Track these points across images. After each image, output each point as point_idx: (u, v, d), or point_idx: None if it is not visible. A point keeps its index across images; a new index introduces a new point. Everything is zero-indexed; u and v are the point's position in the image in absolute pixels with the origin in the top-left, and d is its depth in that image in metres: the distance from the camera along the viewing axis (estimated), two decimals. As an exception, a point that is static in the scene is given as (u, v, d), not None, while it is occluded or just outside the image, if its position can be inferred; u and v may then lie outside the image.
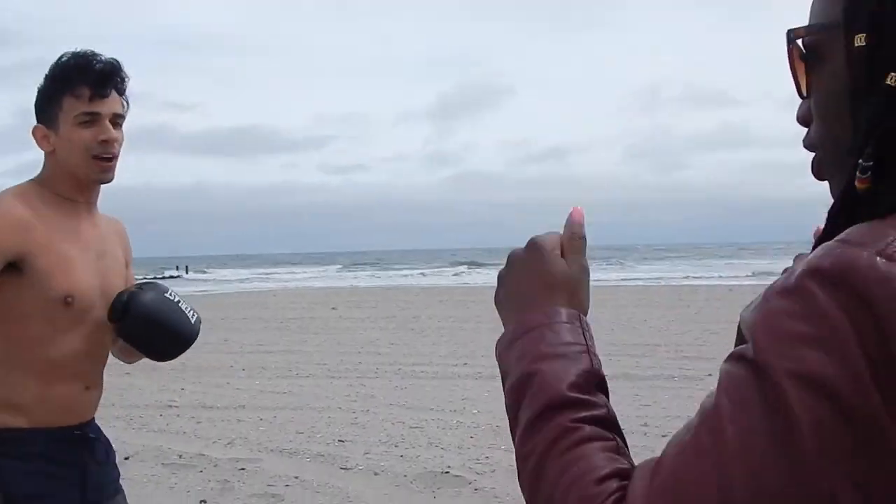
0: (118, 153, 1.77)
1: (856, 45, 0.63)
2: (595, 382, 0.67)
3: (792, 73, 0.71)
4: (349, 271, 49.95)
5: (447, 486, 4.59)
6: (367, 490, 4.59)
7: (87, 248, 1.77)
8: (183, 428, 6.29)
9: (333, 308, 17.85)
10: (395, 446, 5.51)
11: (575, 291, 0.73)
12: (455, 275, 39.21)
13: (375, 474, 4.90)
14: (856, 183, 0.63)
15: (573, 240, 0.74)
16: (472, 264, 47.65)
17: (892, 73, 0.61)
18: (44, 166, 1.81)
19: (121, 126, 1.79)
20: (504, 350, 0.71)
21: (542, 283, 0.73)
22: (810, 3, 0.70)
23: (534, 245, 0.75)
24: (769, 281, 0.63)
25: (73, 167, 1.75)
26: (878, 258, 0.55)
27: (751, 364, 0.56)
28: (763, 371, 0.55)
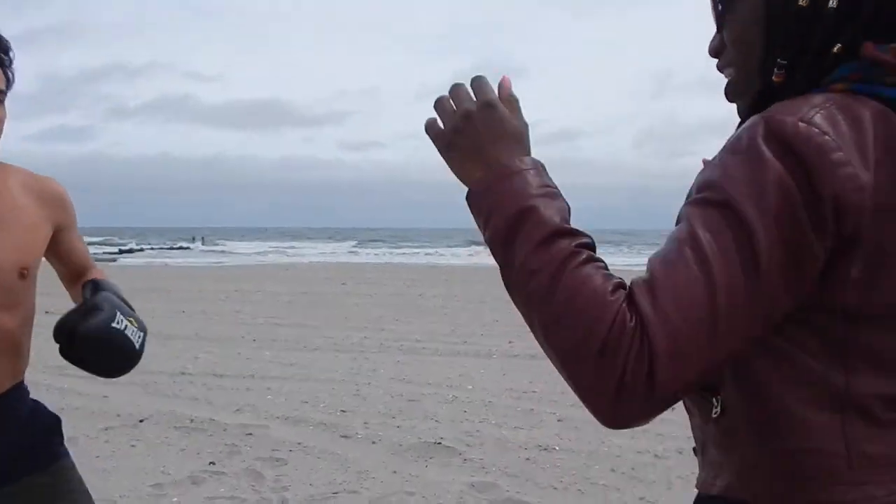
0: (2, 130, 1.62)
1: None
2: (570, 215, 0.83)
3: (714, 8, 0.91)
4: (362, 248, 50.13)
5: (439, 456, 4.76)
6: (364, 457, 4.77)
7: None
8: (195, 394, 6.49)
9: (343, 284, 18.05)
10: (393, 417, 5.69)
11: (527, 142, 0.87)
12: (470, 255, 39.25)
13: (373, 443, 5.08)
14: (773, 78, 0.84)
15: (511, 101, 0.88)
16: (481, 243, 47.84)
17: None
18: None
19: (3, 102, 1.61)
20: (483, 193, 0.82)
21: (507, 135, 0.85)
22: None
23: (491, 102, 0.86)
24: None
25: None
26: (800, 122, 0.75)
27: (721, 205, 0.74)
28: (733, 209, 0.73)
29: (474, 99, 0.87)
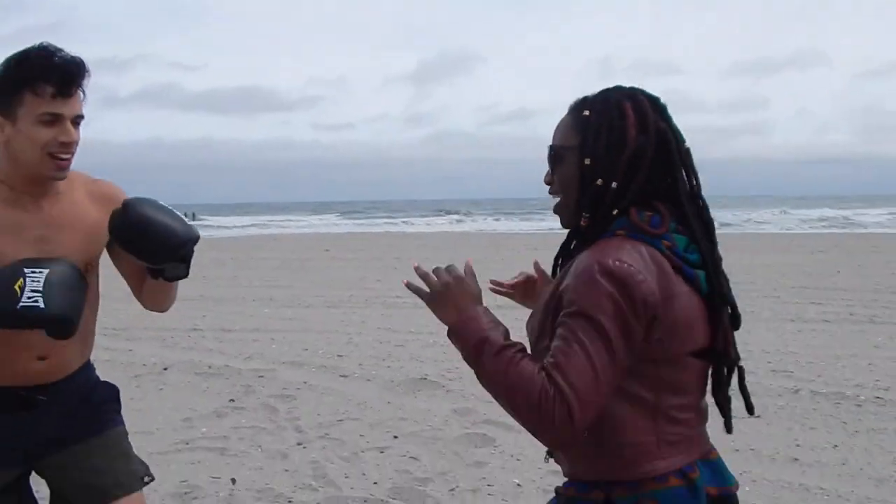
0: (75, 153, 1.60)
1: (585, 162, 1.27)
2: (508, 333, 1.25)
3: (548, 158, 1.35)
4: (340, 219, 49.88)
5: (425, 389, 5.07)
6: (361, 392, 5.06)
7: (24, 238, 1.59)
8: (208, 346, 6.70)
9: (327, 250, 18.17)
10: (383, 360, 5.97)
11: (480, 297, 1.29)
12: (440, 223, 39.37)
13: (368, 380, 5.37)
14: (581, 223, 1.30)
15: (471, 273, 1.30)
16: (453, 213, 48.02)
17: (599, 180, 1.25)
18: None
19: (79, 125, 1.60)
20: (459, 332, 1.23)
21: (469, 295, 1.27)
22: (556, 128, 1.34)
23: (460, 278, 1.29)
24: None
25: (28, 162, 1.57)
26: (616, 262, 1.18)
27: (586, 317, 1.16)
28: (593, 319, 1.15)
29: (449, 276, 1.28)
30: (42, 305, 1.48)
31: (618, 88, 1.30)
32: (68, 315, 1.53)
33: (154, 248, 1.56)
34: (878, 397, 4.66)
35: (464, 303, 1.25)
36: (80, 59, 1.58)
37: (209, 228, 39.11)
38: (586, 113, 1.27)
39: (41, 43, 1.57)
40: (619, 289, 1.15)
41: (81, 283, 1.61)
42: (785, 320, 7.53)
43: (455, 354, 4.83)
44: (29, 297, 1.48)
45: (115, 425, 1.78)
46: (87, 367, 1.78)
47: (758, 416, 4.31)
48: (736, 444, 3.81)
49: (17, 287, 1.48)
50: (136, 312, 8.46)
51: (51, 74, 1.52)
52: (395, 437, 4.11)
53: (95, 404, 1.75)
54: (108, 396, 1.81)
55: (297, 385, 5.23)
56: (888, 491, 3.28)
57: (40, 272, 1.51)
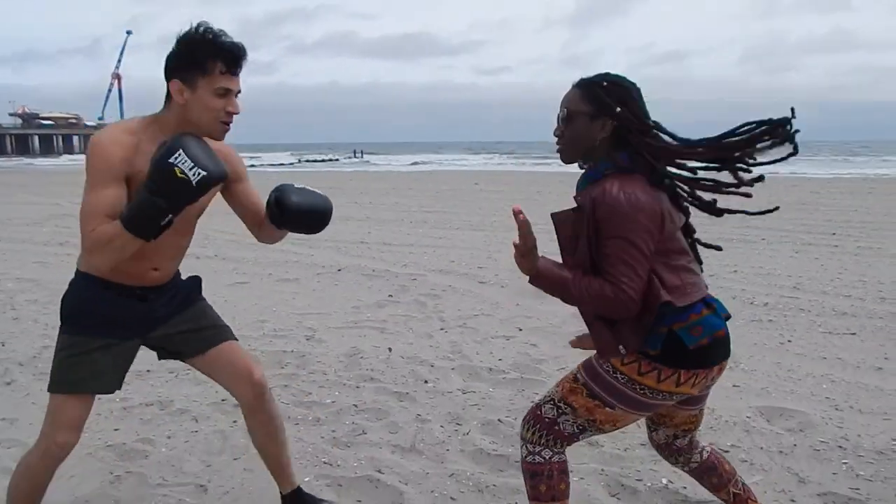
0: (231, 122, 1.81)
1: (594, 123, 1.71)
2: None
3: (559, 116, 1.76)
4: (492, 157, 50.22)
5: (550, 298, 5.43)
6: (496, 295, 5.52)
7: None
8: (372, 255, 7.48)
9: (476, 184, 18.72)
10: (517, 273, 6.31)
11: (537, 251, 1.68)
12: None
13: (502, 287, 5.82)
14: (583, 167, 1.79)
15: (527, 224, 1.65)
16: None
17: (615, 122, 1.73)
18: (167, 111, 1.78)
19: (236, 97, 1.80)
20: (543, 278, 1.67)
21: (535, 254, 1.66)
22: (566, 96, 1.78)
23: (532, 247, 1.66)
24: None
25: (200, 124, 1.75)
26: (622, 192, 1.61)
27: (619, 238, 1.60)
28: (624, 238, 1.59)
29: (528, 243, 1.65)
30: (206, 172, 1.65)
31: (608, 75, 1.75)
32: (223, 169, 1.71)
33: (307, 229, 1.92)
34: None
35: (533, 259, 1.66)
36: (241, 43, 1.76)
37: (375, 165, 41.13)
38: (600, 89, 1.71)
39: (206, 25, 1.74)
40: (639, 212, 1.59)
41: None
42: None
43: None
44: (193, 173, 1.63)
45: (200, 301, 2.11)
46: (178, 273, 2.09)
47: (853, 334, 4.29)
48: (824, 354, 3.88)
49: (179, 174, 1.63)
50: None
51: (227, 54, 1.73)
52: (520, 329, 4.55)
53: (185, 293, 2.08)
54: (194, 286, 2.11)
55: (443, 287, 5.80)
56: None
57: (179, 153, 1.64)
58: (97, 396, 1.97)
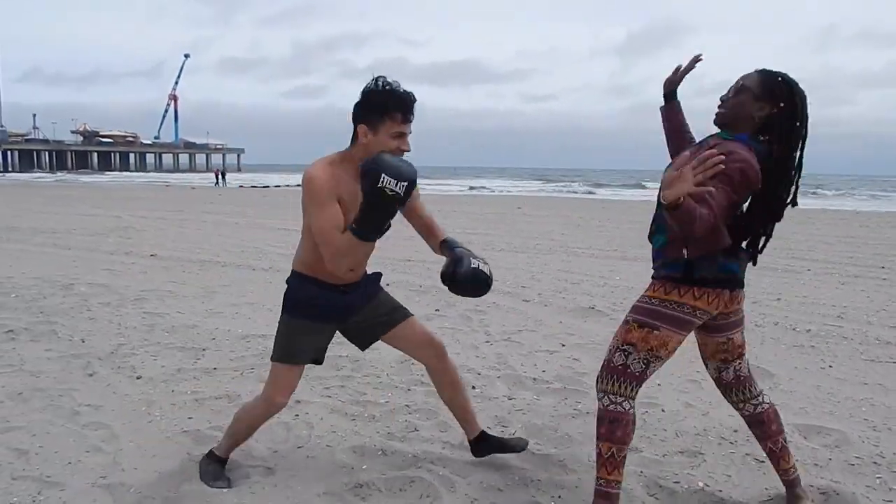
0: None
1: (756, 102, 2.21)
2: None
3: (733, 88, 2.21)
4: (535, 183, 50.36)
5: (592, 316, 5.58)
6: (539, 313, 5.70)
7: (356, 200, 2.19)
8: (419, 272, 7.70)
9: (519, 208, 18.95)
10: (559, 292, 6.56)
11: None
12: (622, 193, 38.38)
13: (545, 305, 6.00)
14: (733, 129, 2.23)
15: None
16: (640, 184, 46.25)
17: (774, 110, 2.18)
18: (353, 148, 2.25)
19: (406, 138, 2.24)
20: (684, 206, 1.92)
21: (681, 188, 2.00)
22: (745, 74, 2.25)
23: (687, 184, 1.95)
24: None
25: None
26: (747, 155, 2.14)
27: (722, 184, 2.05)
28: (725, 188, 2.06)
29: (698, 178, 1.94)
30: (407, 181, 2.11)
31: (786, 75, 2.18)
32: (415, 169, 2.17)
33: (469, 294, 2.35)
34: None
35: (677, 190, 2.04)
36: (413, 94, 2.21)
37: (424, 189, 41.66)
38: (775, 81, 2.15)
39: (384, 78, 2.19)
40: (744, 175, 2.04)
41: None
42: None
43: (622, 294, 5.49)
44: (399, 188, 2.09)
45: (381, 290, 2.66)
46: (364, 271, 2.62)
47: (895, 362, 4.34)
48: (865, 380, 3.94)
49: (389, 193, 2.07)
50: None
51: (403, 106, 2.18)
52: (563, 345, 4.72)
53: (372, 286, 2.63)
54: (376, 280, 2.67)
55: (488, 304, 6.00)
56: None
57: (382, 177, 2.08)
58: (304, 367, 2.51)
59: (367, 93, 2.20)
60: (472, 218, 15.53)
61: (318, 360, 2.57)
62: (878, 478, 2.68)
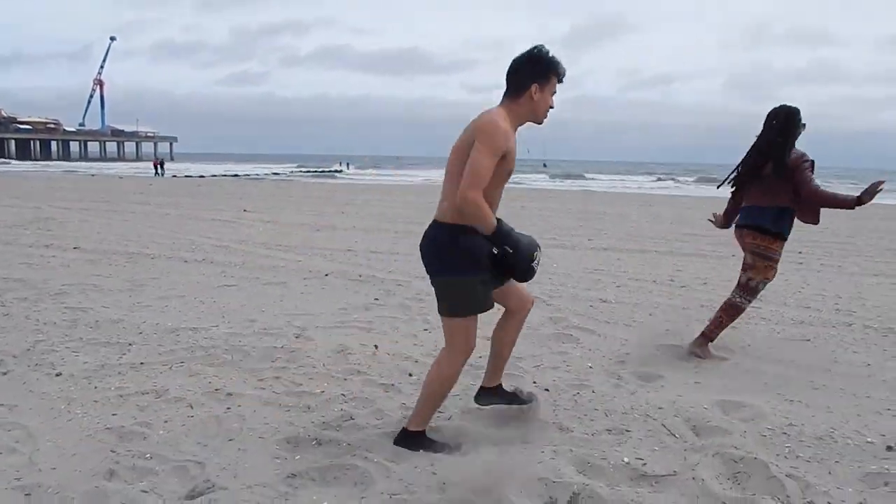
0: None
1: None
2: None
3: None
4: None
5: (538, 307, 5.71)
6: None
7: (514, 153, 2.58)
8: (359, 262, 7.70)
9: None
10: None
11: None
12: (560, 181, 38.97)
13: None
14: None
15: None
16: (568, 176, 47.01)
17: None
18: (520, 103, 2.59)
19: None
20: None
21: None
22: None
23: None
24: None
25: (538, 114, 2.62)
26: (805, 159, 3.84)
27: (809, 165, 3.92)
28: (808, 166, 3.96)
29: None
30: (538, 257, 2.69)
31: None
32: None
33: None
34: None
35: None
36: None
37: (359, 178, 41.30)
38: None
39: (544, 48, 2.59)
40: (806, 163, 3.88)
41: None
42: (868, 275, 7.43)
43: (561, 281, 5.59)
44: (537, 262, 2.69)
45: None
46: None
47: (807, 340, 4.62)
48: (780, 357, 4.19)
49: (533, 263, 2.66)
50: (304, 237, 9.75)
51: (561, 71, 2.64)
52: (500, 331, 4.81)
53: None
54: None
55: (428, 292, 5.97)
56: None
57: (536, 254, 2.69)
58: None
59: (538, 57, 2.59)
60: (414, 207, 15.51)
61: (491, 307, 2.76)
62: (787, 447, 2.86)
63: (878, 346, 4.54)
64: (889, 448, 2.87)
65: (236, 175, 38.46)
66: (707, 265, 7.83)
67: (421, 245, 2.73)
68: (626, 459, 2.71)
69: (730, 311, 4.10)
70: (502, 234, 2.54)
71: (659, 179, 47.26)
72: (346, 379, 3.70)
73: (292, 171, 48.26)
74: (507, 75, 2.62)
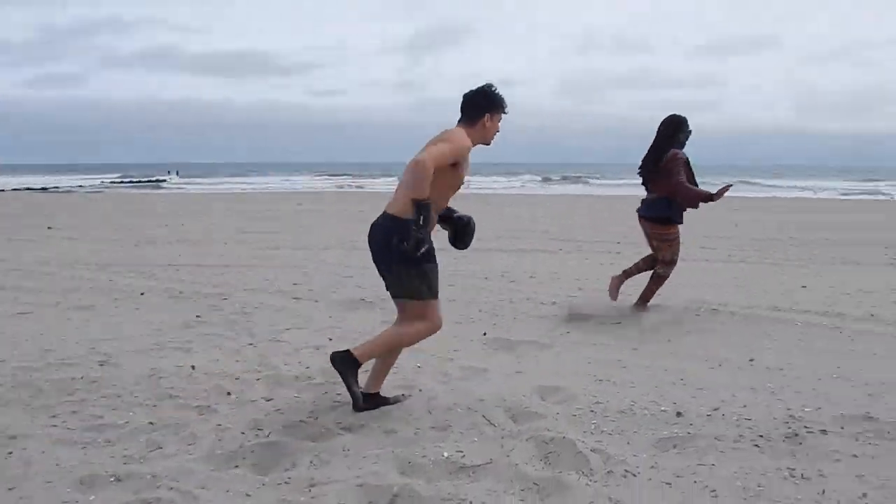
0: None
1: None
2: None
3: None
4: (318, 178, 49.70)
5: (362, 308, 5.66)
6: (309, 310, 5.63)
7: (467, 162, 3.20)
8: (181, 277, 7.20)
9: (299, 204, 18.62)
10: (332, 287, 6.55)
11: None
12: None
13: (316, 301, 5.95)
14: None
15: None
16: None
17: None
18: (475, 128, 3.18)
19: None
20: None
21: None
22: None
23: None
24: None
25: (487, 138, 3.24)
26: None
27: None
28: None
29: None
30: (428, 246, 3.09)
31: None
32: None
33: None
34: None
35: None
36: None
37: (190, 186, 38.99)
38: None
39: (493, 84, 3.23)
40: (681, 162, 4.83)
41: None
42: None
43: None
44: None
45: None
46: None
47: (618, 323, 5.07)
48: (594, 341, 4.52)
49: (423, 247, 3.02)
50: (118, 254, 8.96)
51: (504, 105, 3.25)
52: (331, 339, 4.73)
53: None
54: None
55: (255, 305, 5.80)
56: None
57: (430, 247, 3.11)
58: None
59: (491, 94, 3.22)
60: (248, 216, 14.88)
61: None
62: (594, 423, 3.09)
63: (679, 322, 5.06)
64: (678, 414, 3.20)
65: (45, 189, 34.65)
66: (537, 259, 8.28)
67: (375, 237, 3.18)
68: (446, 454, 2.77)
69: (658, 282, 5.19)
70: (425, 208, 2.94)
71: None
72: (155, 405, 3.43)
73: (112, 182, 44.22)
74: (463, 106, 3.22)
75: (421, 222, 2.92)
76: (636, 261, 5.39)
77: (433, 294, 3.16)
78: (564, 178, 44.73)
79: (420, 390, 3.60)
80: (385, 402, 3.32)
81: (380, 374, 3.36)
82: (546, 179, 44.87)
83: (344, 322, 5.22)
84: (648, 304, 5.28)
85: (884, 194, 29.91)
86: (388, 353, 3.31)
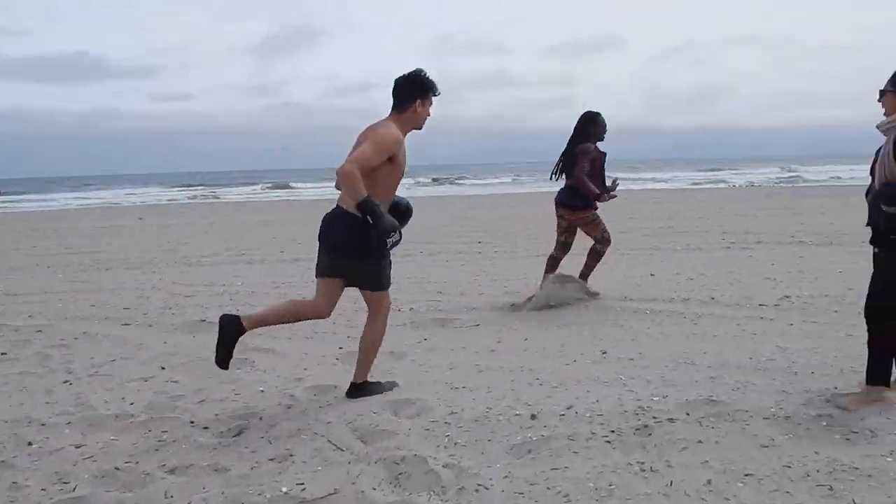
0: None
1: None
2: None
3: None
4: (165, 189, 46.40)
5: (203, 330, 5.17)
6: (141, 336, 5.08)
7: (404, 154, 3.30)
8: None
9: (140, 218, 17.23)
10: (170, 309, 5.98)
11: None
12: (255, 193, 37.19)
13: (150, 326, 5.39)
14: None
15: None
16: (276, 186, 45.08)
17: None
18: (406, 114, 3.27)
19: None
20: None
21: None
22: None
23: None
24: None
25: (418, 123, 3.32)
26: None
27: None
28: None
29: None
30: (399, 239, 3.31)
31: None
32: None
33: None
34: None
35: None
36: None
37: (21, 203, 34.93)
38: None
39: (423, 70, 3.32)
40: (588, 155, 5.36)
41: None
42: (532, 256, 8.51)
43: (243, 300, 5.13)
44: (391, 242, 3.28)
45: None
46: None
47: (477, 325, 5.02)
48: (452, 346, 4.44)
49: (390, 242, 3.26)
50: None
51: (437, 88, 3.33)
52: (163, 367, 4.27)
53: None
54: None
55: (76, 335, 5.14)
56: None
57: (395, 235, 3.25)
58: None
59: (420, 78, 3.30)
60: (79, 234, 13.46)
61: None
62: (447, 436, 2.96)
63: (536, 320, 5.10)
64: (533, 416, 3.15)
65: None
66: (397, 264, 8.11)
67: (336, 231, 3.24)
68: (284, 489, 2.52)
69: (595, 256, 5.58)
70: (369, 206, 3.01)
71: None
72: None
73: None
74: (394, 92, 3.28)
75: (372, 220, 3.05)
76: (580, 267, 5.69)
77: (389, 284, 3.44)
78: (435, 181, 44.90)
79: (260, 419, 3.29)
80: (379, 388, 3.53)
81: (363, 363, 3.52)
82: (418, 183, 44.92)
83: (180, 347, 4.76)
84: (586, 280, 5.65)
85: (725, 182, 33.10)
86: (375, 355, 3.54)
